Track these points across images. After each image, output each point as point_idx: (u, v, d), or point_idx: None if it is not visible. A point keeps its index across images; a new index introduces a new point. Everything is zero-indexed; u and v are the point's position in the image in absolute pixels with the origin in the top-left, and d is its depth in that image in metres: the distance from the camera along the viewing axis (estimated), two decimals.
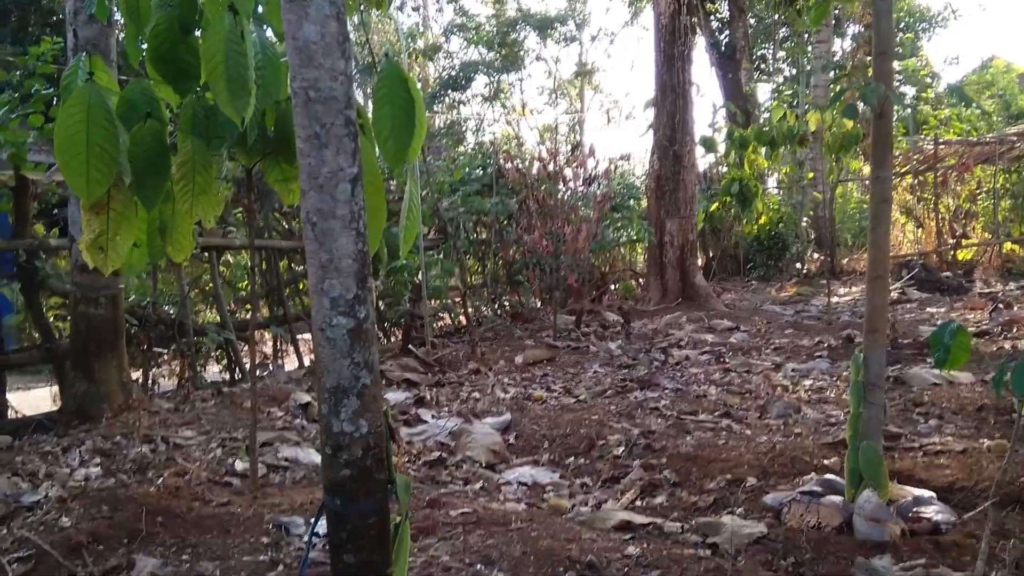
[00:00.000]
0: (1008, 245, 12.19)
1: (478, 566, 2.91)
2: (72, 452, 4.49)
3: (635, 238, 11.99)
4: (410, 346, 7.97)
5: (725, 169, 12.51)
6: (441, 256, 9.01)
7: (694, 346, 8.43)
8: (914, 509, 3.58)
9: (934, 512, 3.51)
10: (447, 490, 4.23)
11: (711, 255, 13.81)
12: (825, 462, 4.29)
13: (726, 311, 10.60)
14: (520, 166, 9.94)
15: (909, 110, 10.98)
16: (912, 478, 3.92)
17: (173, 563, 3.06)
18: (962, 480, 3.83)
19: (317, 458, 4.64)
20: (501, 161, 10.03)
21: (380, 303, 8.54)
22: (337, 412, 1.85)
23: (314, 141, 1.83)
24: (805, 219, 13.79)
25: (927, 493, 3.80)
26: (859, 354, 3.71)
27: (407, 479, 2.07)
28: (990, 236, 12.44)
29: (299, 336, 8.79)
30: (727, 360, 7.58)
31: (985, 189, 12.50)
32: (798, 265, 13.75)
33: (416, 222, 2.62)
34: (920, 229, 13.25)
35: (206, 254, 7.79)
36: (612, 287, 11.99)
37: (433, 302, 8.72)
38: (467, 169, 10.16)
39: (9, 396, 6.41)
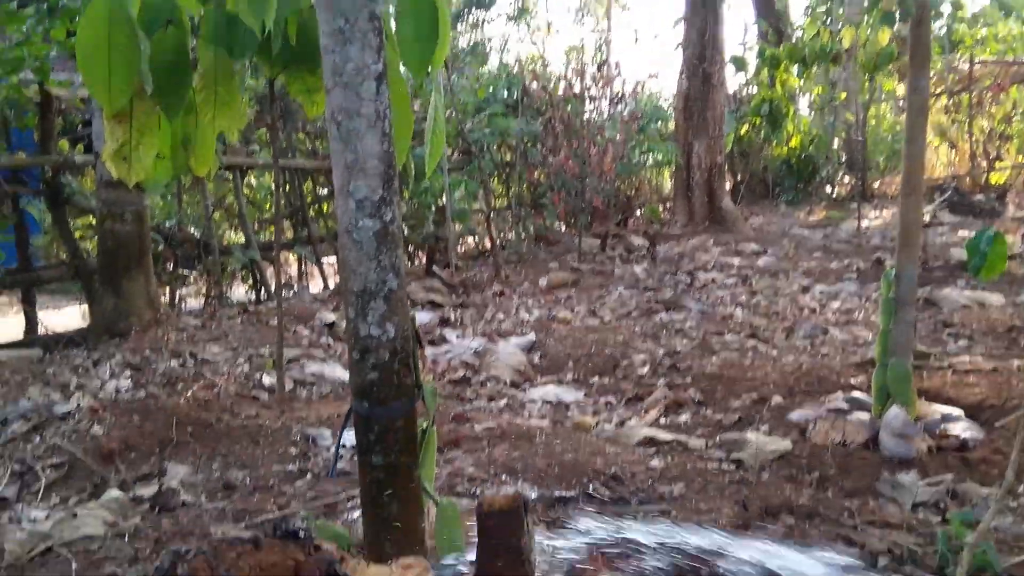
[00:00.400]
0: None
1: (503, 476, 2.94)
2: (102, 365, 4.56)
3: (662, 160, 11.82)
4: (434, 268, 7.97)
5: (755, 89, 12.21)
6: (465, 178, 8.92)
7: (720, 269, 8.36)
8: (942, 426, 3.55)
9: (962, 429, 3.49)
10: (472, 406, 4.26)
11: (739, 178, 13.58)
12: (852, 381, 4.26)
13: (754, 235, 10.47)
14: (546, 86, 9.76)
15: (945, 28, 10.58)
16: (940, 396, 3.89)
17: (204, 471, 3.12)
18: (991, 399, 3.79)
19: (343, 374, 4.68)
20: (526, 81, 9.84)
21: (404, 225, 8.51)
22: (364, 315, 1.83)
23: (338, 36, 1.78)
24: (837, 141, 13.51)
25: (955, 411, 3.77)
26: (890, 270, 3.65)
27: (434, 386, 2.07)
28: None
29: (324, 258, 8.81)
30: (754, 283, 7.52)
31: (1021, 111, 12.15)
32: (828, 188, 13.52)
33: (441, 138, 2.56)
34: (954, 151, 12.95)
35: (230, 174, 7.78)
36: (638, 211, 11.88)
37: (457, 224, 8.68)
38: (491, 89, 9.98)
39: (40, 315, 6.51)
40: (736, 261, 8.76)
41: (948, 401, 3.90)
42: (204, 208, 7.35)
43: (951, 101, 12.45)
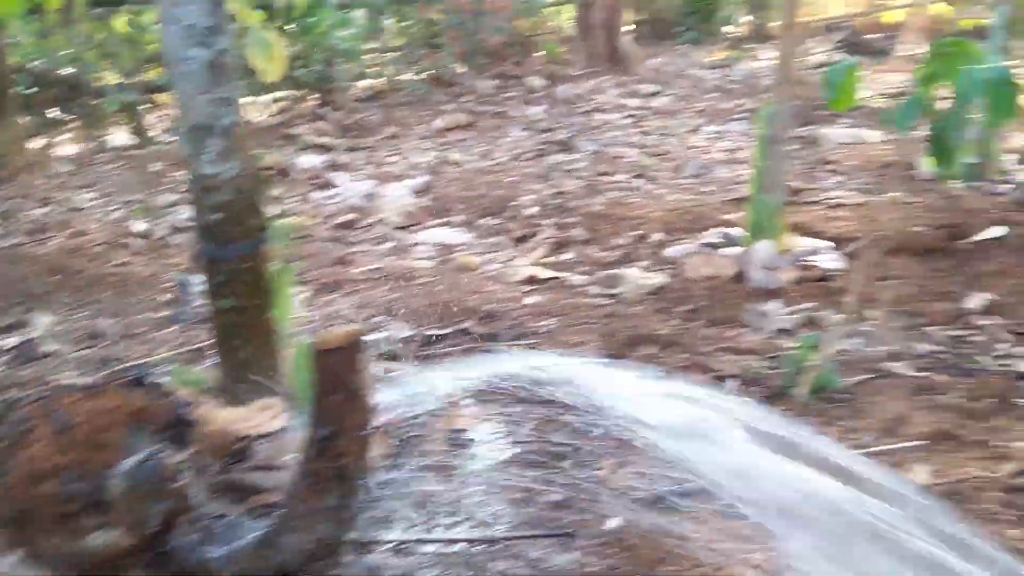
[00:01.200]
0: (937, 7, 12.02)
1: (378, 317, 2.95)
2: None
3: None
4: (324, 109, 7.69)
5: None
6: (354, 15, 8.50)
7: (616, 110, 8.31)
8: (807, 258, 3.71)
9: (826, 260, 3.64)
10: (356, 249, 4.22)
11: (641, 18, 13.33)
12: (729, 217, 4.37)
13: (653, 75, 10.39)
14: None
15: None
16: (810, 230, 4.03)
17: (70, 320, 3.04)
18: (857, 231, 3.95)
19: None
20: None
21: (291, 65, 8.12)
22: (200, 152, 1.75)
23: None
24: None
25: (823, 243, 3.93)
26: (767, 108, 3.69)
27: (291, 224, 2.03)
28: None
29: None
30: (648, 123, 7.53)
31: None
32: (728, 28, 13.42)
33: None
34: None
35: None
36: (537, 51, 11.60)
37: (348, 64, 8.33)
38: None
39: None
40: (633, 102, 8.71)
41: (817, 235, 4.04)
42: (73, 45, 6.84)
43: None
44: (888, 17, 12.19)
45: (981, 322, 3.29)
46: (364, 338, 1.44)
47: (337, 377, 1.41)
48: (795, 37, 3.63)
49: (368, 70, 8.92)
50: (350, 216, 4.94)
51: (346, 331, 1.42)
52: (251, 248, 1.83)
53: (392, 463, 1.96)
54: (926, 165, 2.09)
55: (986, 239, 3.68)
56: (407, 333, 2.74)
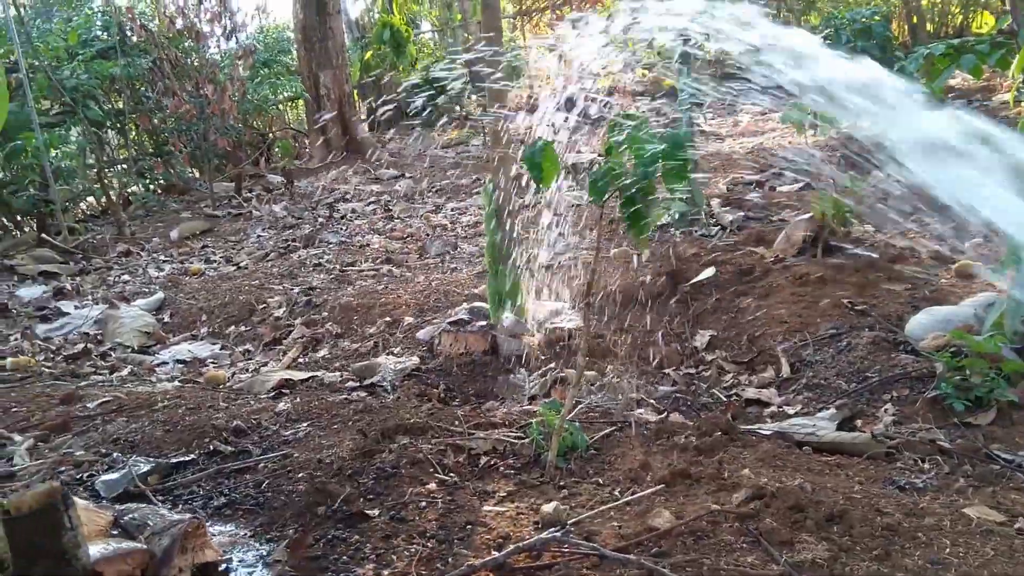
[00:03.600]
0: (642, 71, 13.26)
1: (114, 455, 2.73)
2: None
3: (292, 95, 11.48)
4: (44, 235, 7.15)
5: (377, 16, 12.18)
6: (63, 132, 8.03)
7: (360, 198, 8.38)
8: (551, 321, 3.87)
9: (566, 320, 3.82)
10: (89, 382, 3.91)
11: (373, 106, 13.60)
12: (477, 291, 4.49)
13: (392, 160, 10.59)
14: (145, 24, 8.96)
15: None
16: (551, 293, 4.22)
17: None
18: (591, 288, 4.17)
19: None
20: (122, 18, 8.96)
21: (3, 191, 7.49)
22: None
23: None
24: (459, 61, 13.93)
25: (561, 304, 4.12)
26: (489, 183, 3.85)
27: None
28: None
29: None
30: (391, 208, 7.63)
31: None
32: (458, 107, 13.98)
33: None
34: (564, 64, 13.92)
35: None
36: (273, 149, 11.50)
37: (64, 184, 7.81)
38: (84, 30, 8.98)
39: None
40: (375, 188, 8.82)
41: (557, 296, 4.25)
42: None
43: (555, 15, 13.28)
44: (602, 82, 13.22)
45: (709, 357, 3.58)
46: (65, 495, 1.32)
47: (37, 543, 1.27)
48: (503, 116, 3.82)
49: (94, 187, 8.41)
50: (81, 346, 4.58)
51: (41, 491, 1.30)
52: None
53: None
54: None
55: (701, 280, 4.02)
56: (146, 468, 2.54)
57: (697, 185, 5.18)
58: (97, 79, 8.32)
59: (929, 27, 11.86)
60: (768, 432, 2.61)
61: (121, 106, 9.39)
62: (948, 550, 1.79)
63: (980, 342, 2.67)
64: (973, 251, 3.88)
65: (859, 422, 2.68)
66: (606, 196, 2.22)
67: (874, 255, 3.99)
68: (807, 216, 4.35)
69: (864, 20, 9.00)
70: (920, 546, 1.81)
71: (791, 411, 2.89)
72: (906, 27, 11.21)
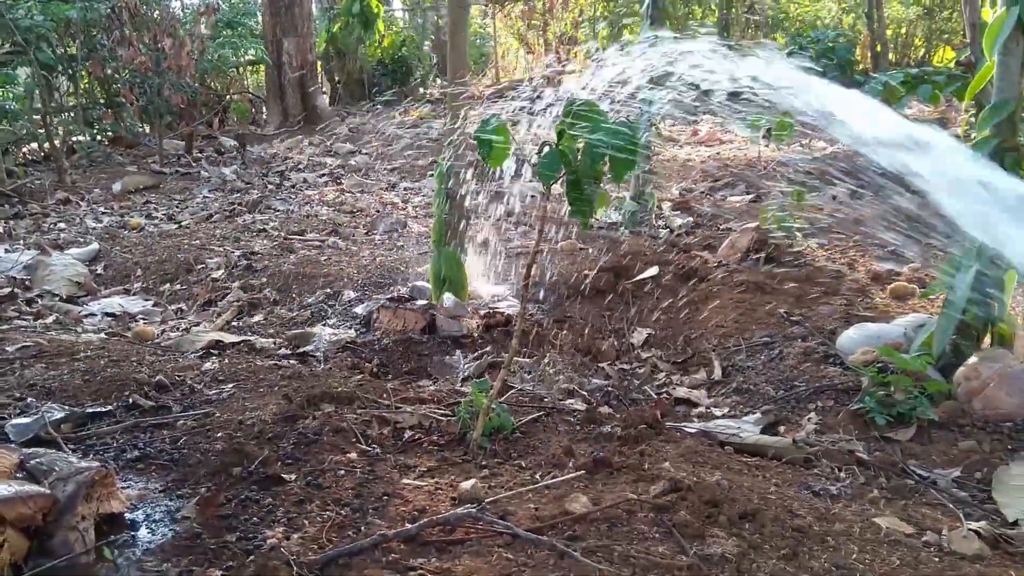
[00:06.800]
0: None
1: (29, 400, 2.64)
2: None
3: (254, 59, 11.28)
4: None
5: None
6: (9, 72, 7.78)
7: (312, 169, 8.26)
8: (492, 305, 3.86)
9: (507, 306, 3.81)
10: (11, 326, 3.79)
11: (337, 79, 13.43)
12: (420, 270, 4.46)
13: (349, 135, 10.47)
14: None
15: None
16: (495, 278, 4.22)
17: None
18: (536, 277, 4.17)
19: None
20: None
21: None
22: None
23: None
24: (427, 43, 13.83)
25: (503, 289, 4.12)
26: (442, 164, 3.82)
27: None
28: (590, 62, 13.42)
29: None
30: (343, 182, 7.54)
31: (585, 17, 13.36)
32: (422, 90, 13.88)
33: None
34: (531, 55, 13.94)
35: None
36: (228, 111, 11.30)
37: (11, 126, 7.59)
38: None
39: None
40: (329, 161, 8.70)
41: (502, 282, 4.24)
42: None
43: (527, 6, 13.28)
44: (569, 80, 13.25)
45: (645, 355, 3.59)
46: None
47: None
48: (466, 98, 3.79)
49: (38, 131, 8.17)
50: (8, 289, 4.44)
51: None
52: None
53: None
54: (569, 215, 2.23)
55: (644, 278, 4.05)
56: (60, 415, 2.47)
57: (650, 187, 5.21)
58: (52, 21, 8.05)
59: (892, 56, 12.11)
60: (693, 430, 2.63)
61: (74, 51, 9.13)
62: (855, 556, 1.82)
63: (907, 360, 2.72)
64: (909, 273, 3.96)
65: (782, 428, 2.71)
66: (554, 179, 2.20)
67: (814, 268, 4.05)
68: (753, 225, 4.40)
69: (829, 42, 9.16)
70: (828, 549, 1.83)
71: (718, 412, 2.92)
72: (869, 54, 11.41)
